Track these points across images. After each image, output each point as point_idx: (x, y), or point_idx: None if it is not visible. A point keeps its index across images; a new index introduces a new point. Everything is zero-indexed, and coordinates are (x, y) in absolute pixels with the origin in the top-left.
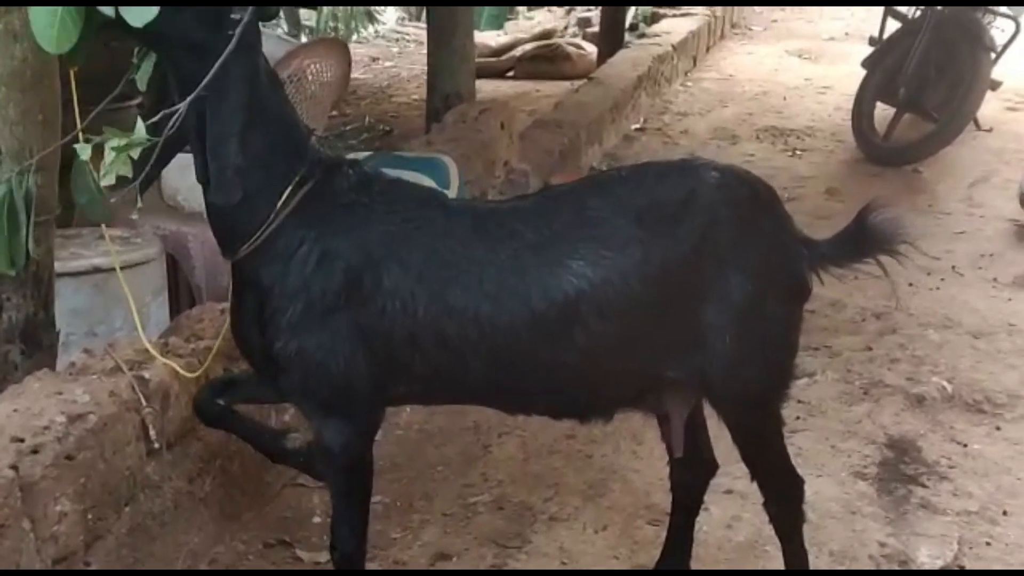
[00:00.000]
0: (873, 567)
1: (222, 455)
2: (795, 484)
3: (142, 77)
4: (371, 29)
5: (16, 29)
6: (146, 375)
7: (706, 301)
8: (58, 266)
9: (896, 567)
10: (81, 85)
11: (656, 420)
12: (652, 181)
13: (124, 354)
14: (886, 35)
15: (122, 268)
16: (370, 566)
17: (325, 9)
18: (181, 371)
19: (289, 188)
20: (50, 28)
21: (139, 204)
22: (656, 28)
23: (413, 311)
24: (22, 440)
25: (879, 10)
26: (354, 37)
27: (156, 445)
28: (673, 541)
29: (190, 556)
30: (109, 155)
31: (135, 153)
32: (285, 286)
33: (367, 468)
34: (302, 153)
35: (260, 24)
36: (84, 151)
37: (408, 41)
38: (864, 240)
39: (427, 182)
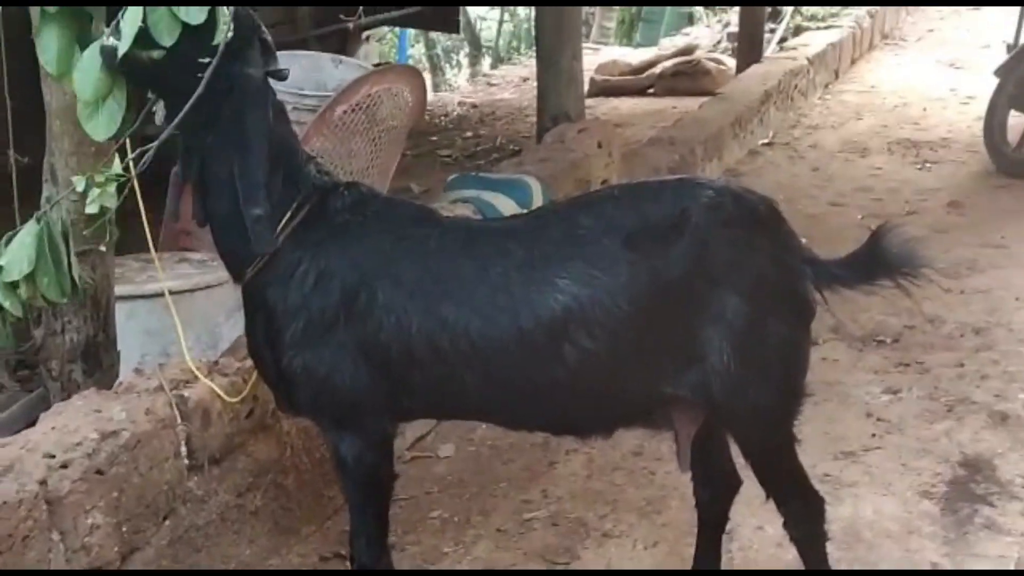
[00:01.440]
0: None
1: (275, 470)
2: (813, 503)
3: (158, 113)
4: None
5: None
6: (186, 394)
7: (702, 320)
8: (132, 289)
9: None
10: None
11: (673, 437)
12: (644, 200)
13: (172, 374)
14: (1022, 40)
15: (195, 290)
16: None
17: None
18: (222, 394)
19: (288, 213)
20: (95, 117)
21: (115, 235)
22: (795, 41)
23: (408, 325)
24: (53, 456)
25: None
26: (513, 58)
27: (186, 461)
28: (699, 558)
29: (241, 567)
30: (92, 189)
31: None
32: (287, 305)
33: (382, 480)
34: (300, 179)
35: None
36: (79, 183)
37: None
38: (877, 262)
39: (509, 202)
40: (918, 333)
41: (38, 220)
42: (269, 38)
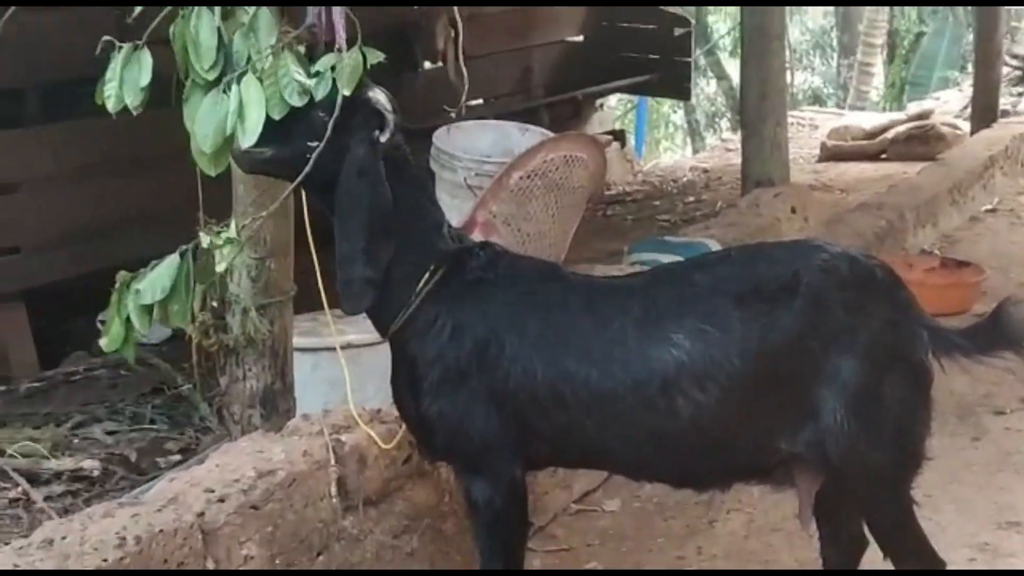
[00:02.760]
0: None
1: (432, 515)
2: (933, 567)
3: None
4: None
5: None
6: (343, 438)
7: (816, 379)
8: (317, 342)
9: None
10: None
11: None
12: (759, 261)
13: (334, 420)
14: None
15: (375, 344)
16: None
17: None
18: (378, 440)
19: (425, 276)
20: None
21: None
22: None
23: (533, 375)
24: (212, 491)
25: None
26: None
27: (334, 500)
28: None
29: None
30: (216, 249)
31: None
32: (425, 356)
33: (512, 525)
34: (435, 244)
35: None
36: (204, 241)
37: (802, 126)
38: (999, 336)
39: None
40: None
41: (181, 255)
42: (386, 111)
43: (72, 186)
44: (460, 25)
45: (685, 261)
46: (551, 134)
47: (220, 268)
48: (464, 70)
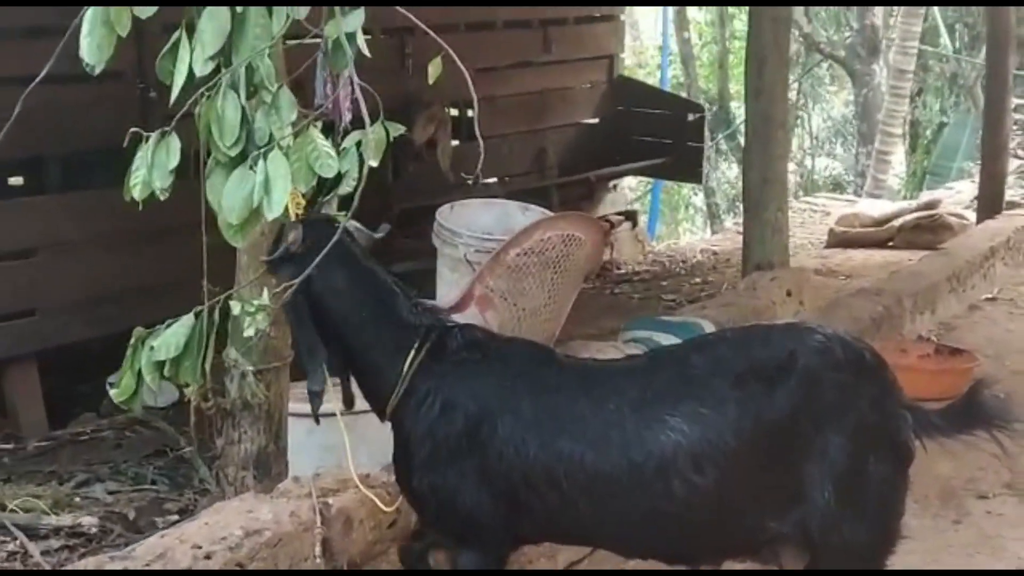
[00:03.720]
0: None
1: None
2: None
3: None
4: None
5: None
6: (331, 501)
7: (806, 459)
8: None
9: None
10: None
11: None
12: (755, 343)
13: (324, 483)
14: None
15: (366, 412)
16: None
17: None
18: (377, 501)
19: (411, 354)
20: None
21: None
22: None
23: (526, 455)
24: (200, 547)
25: None
26: None
27: (319, 560)
28: None
29: None
30: (245, 316)
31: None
32: (416, 431)
33: None
34: (411, 323)
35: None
36: (236, 308)
37: (815, 211)
38: (973, 415)
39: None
40: None
41: (196, 315)
42: (295, 229)
43: (88, 253)
44: (475, 101)
45: (683, 343)
46: (551, 214)
47: (249, 333)
48: (480, 141)
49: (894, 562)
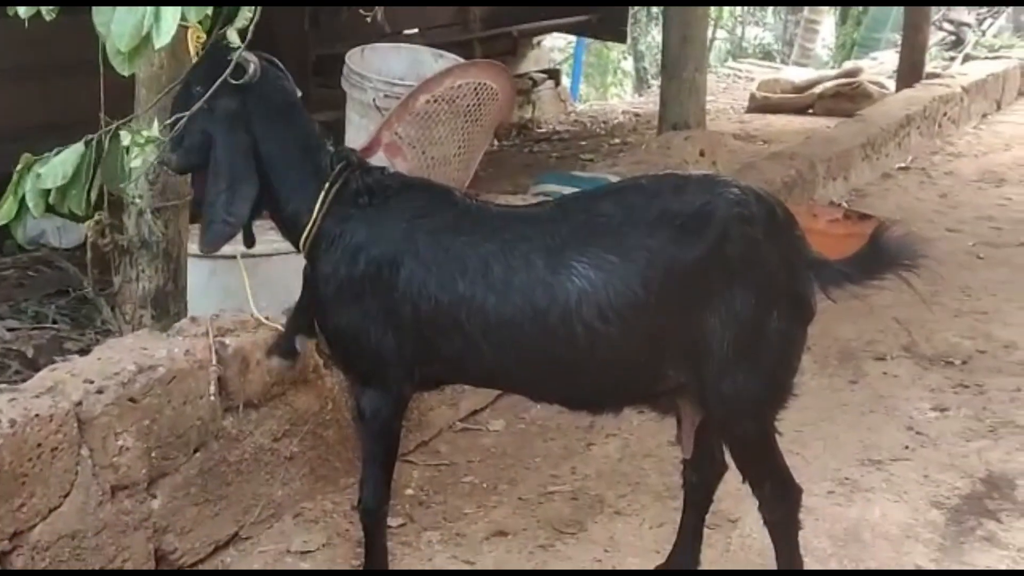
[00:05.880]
0: None
1: (314, 421)
2: (789, 492)
3: None
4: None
5: None
6: (227, 341)
7: (710, 309)
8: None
9: None
10: None
11: (676, 422)
12: (669, 191)
13: (221, 323)
14: None
15: (272, 255)
16: (432, 535)
17: None
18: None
19: (321, 196)
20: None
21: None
22: (954, 70)
23: (428, 296)
24: (92, 381)
25: None
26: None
27: (212, 398)
28: (682, 540)
29: (272, 505)
30: (134, 147)
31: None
32: (323, 272)
33: (393, 435)
34: (324, 165)
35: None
36: (125, 138)
37: (739, 77)
38: (879, 259)
39: None
40: (988, 357)
41: (86, 144)
42: (246, 61)
43: None
44: None
45: (594, 190)
46: (464, 61)
47: (135, 164)
48: None
49: (788, 418)
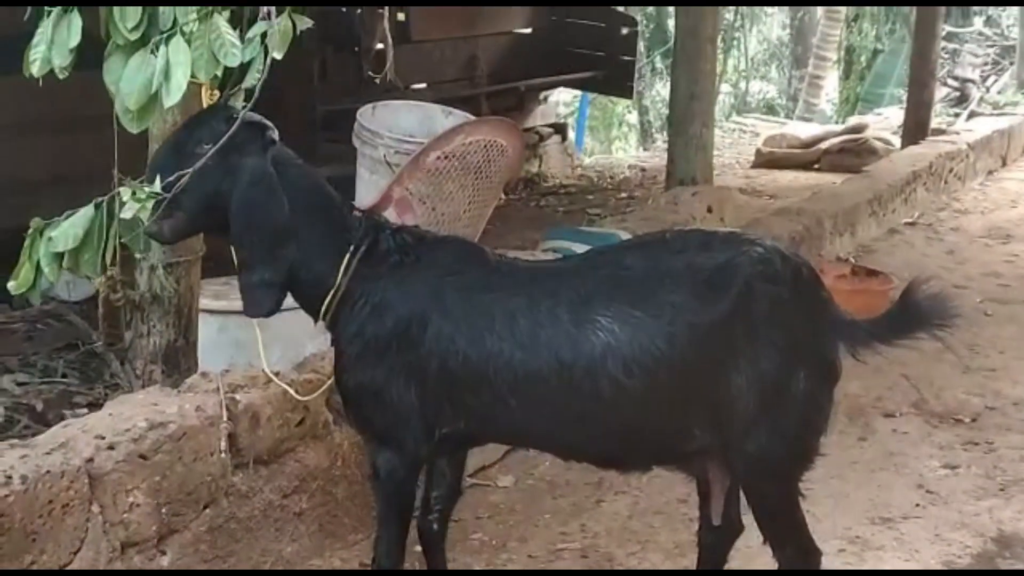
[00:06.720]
0: None
1: (323, 478)
2: (810, 556)
3: None
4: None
5: None
6: (238, 397)
7: (734, 368)
8: (225, 305)
9: None
10: None
11: (697, 486)
12: (694, 247)
13: (232, 379)
14: None
15: (285, 310)
16: None
17: None
18: (290, 390)
19: (346, 258)
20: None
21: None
22: (959, 127)
23: (455, 352)
24: (103, 438)
25: None
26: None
27: (223, 455)
28: None
29: (281, 562)
30: (132, 201)
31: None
32: (347, 332)
33: (408, 496)
34: (348, 226)
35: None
36: (125, 194)
37: (744, 132)
38: (910, 318)
39: None
40: (998, 415)
41: (96, 206)
42: (267, 123)
43: None
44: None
45: (619, 244)
46: (474, 118)
47: (126, 216)
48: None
49: None
